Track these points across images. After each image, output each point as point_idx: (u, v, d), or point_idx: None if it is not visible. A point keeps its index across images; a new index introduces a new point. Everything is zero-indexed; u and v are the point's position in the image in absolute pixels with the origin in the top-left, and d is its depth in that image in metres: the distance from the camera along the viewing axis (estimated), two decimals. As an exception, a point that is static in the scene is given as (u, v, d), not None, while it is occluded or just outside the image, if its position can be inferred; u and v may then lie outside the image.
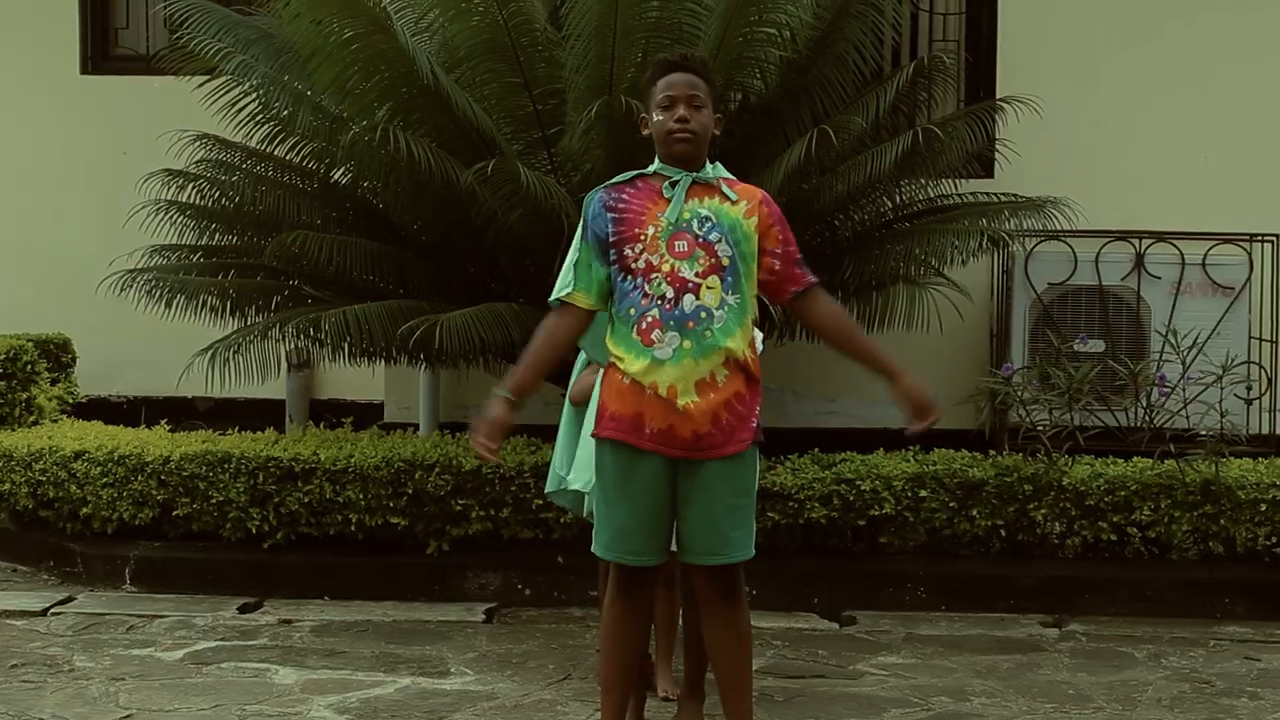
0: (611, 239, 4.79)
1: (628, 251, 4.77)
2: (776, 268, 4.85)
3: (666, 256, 4.75)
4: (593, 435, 4.91)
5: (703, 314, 4.74)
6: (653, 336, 4.74)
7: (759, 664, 5.75)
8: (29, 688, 6.00)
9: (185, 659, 6.41)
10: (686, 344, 4.73)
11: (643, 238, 4.77)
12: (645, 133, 4.93)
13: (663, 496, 4.82)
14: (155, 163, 8.10)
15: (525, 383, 4.85)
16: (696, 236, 4.76)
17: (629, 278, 4.77)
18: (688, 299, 4.74)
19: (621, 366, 4.79)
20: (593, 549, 4.98)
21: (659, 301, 4.74)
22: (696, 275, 4.74)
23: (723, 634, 4.91)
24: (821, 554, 7.33)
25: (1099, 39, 9.04)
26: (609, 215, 4.82)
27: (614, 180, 4.91)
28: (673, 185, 4.81)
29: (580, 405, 5.51)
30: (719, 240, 4.76)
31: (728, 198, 4.83)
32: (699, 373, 4.74)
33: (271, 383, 8.02)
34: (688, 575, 5.08)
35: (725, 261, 4.76)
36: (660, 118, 4.83)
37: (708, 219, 4.78)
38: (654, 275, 4.74)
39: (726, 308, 4.77)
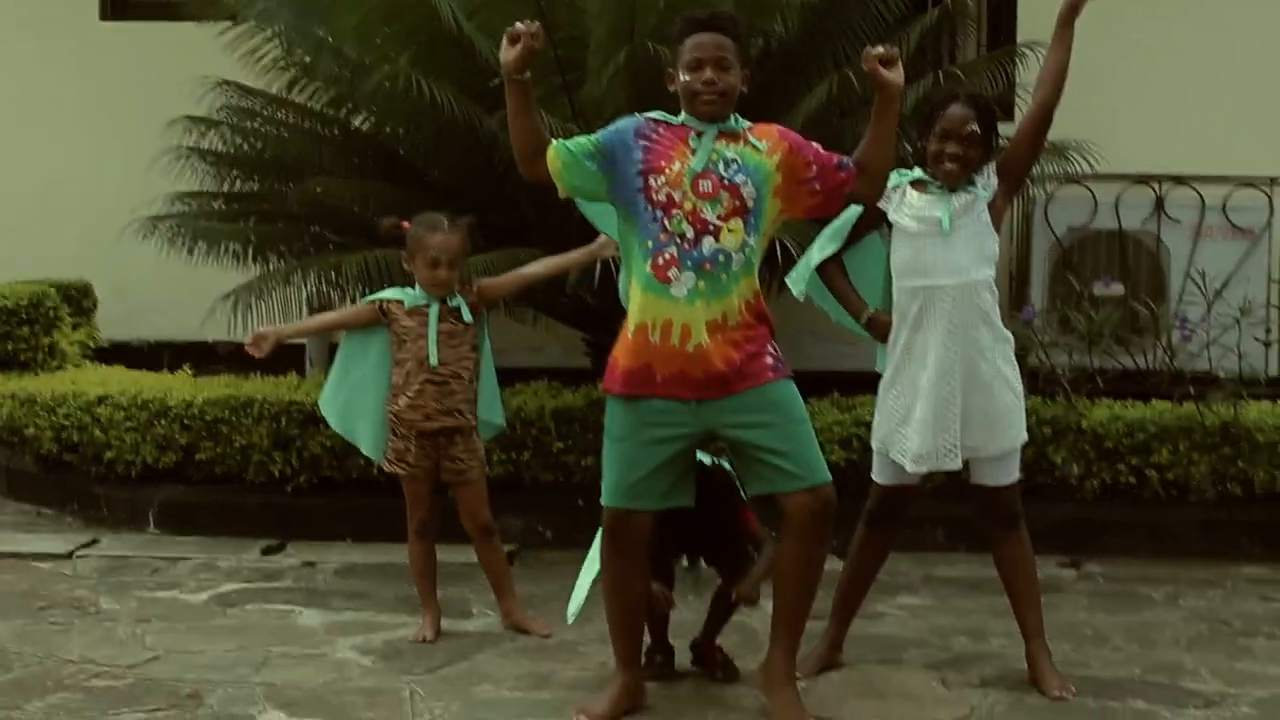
0: (638, 167, 4.80)
1: (651, 181, 4.78)
2: (818, 188, 4.88)
3: (689, 195, 4.75)
4: (603, 390, 4.95)
5: (721, 257, 4.76)
6: (669, 274, 4.76)
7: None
8: (57, 629, 6.07)
9: (210, 601, 6.48)
10: (702, 285, 4.75)
11: (667, 171, 4.78)
12: (672, 88, 4.94)
13: (666, 440, 4.84)
14: (176, 109, 8.11)
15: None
16: (722, 178, 4.77)
17: (649, 208, 4.78)
18: (707, 241, 4.75)
19: (632, 317, 4.84)
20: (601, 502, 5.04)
21: (677, 239, 4.76)
22: (719, 218, 4.76)
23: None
24: (840, 497, 7.30)
25: (1120, -18, 8.98)
26: (640, 143, 4.84)
27: (648, 115, 4.93)
28: (699, 136, 4.83)
29: None
30: (744, 182, 4.78)
31: (753, 145, 4.84)
32: (710, 314, 4.76)
33: (293, 327, 8.05)
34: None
35: (750, 203, 4.79)
36: (688, 78, 4.83)
37: (733, 161, 4.80)
38: (674, 211, 4.75)
39: (747, 249, 4.79)
